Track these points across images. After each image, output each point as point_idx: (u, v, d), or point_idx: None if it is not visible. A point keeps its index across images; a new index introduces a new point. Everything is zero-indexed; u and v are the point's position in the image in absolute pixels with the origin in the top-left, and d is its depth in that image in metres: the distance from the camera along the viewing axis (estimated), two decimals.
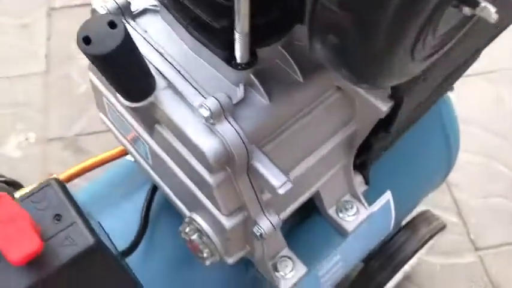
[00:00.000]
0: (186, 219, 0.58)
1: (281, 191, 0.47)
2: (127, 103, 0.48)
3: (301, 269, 0.64)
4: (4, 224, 0.37)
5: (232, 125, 0.45)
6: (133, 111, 0.50)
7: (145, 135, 0.55)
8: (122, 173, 0.75)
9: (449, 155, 0.90)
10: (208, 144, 0.46)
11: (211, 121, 0.45)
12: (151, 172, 0.61)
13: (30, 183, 0.61)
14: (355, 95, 0.53)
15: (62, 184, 0.42)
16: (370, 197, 0.80)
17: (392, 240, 0.94)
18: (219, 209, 0.52)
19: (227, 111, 0.45)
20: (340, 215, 0.68)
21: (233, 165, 0.47)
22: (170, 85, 0.49)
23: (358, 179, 0.69)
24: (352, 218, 0.67)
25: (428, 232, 0.96)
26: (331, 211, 0.68)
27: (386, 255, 0.94)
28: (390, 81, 0.44)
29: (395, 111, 0.53)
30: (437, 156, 0.87)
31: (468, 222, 1.23)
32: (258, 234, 0.52)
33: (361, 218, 0.68)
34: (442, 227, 0.98)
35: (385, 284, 0.95)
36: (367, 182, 0.70)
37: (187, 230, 0.57)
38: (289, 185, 0.47)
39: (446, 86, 0.68)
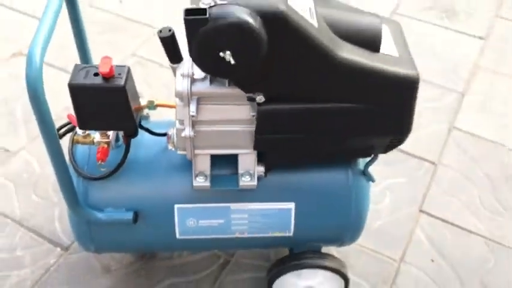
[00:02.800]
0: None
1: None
2: None
3: (206, 183, 1.31)
4: None
5: (188, 83, 1.19)
6: None
7: None
8: None
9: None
10: (180, 83, 1.20)
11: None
12: None
13: None
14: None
15: None
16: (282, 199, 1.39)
17: (305, 253, 1.47)
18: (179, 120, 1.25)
19: (191, 76, 1.19)
20: (242, 177, 1.32)
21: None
22: None
23: (260, 168, 1.32)
24: (243, 180, 1.31)
25: (329, 264, 1.45)
26: (240, 171, 1.33)
27: (291, 258, 1.48)
28: None
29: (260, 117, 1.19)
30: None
31: None
32: (180, 132, 1.23)
33: (246, 184, 1.31)
34: (341, 273, 1.46)
35: (277, 276, 1.48)
36: (265, 173, 1.33)
37: (171, 130, 1.32)
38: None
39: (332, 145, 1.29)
